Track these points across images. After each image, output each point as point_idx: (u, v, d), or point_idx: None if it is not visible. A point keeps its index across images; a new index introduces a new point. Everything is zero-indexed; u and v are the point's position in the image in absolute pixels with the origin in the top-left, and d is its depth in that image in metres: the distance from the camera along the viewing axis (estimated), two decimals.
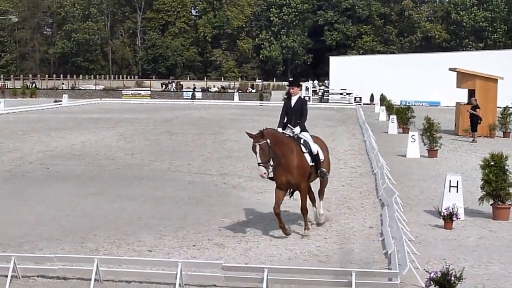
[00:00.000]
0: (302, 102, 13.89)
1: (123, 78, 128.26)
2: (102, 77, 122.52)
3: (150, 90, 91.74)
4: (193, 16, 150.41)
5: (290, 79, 14.98)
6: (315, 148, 13.48)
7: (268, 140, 12.55)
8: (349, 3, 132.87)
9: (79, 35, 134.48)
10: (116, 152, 27.86)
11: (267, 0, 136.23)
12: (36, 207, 16.26)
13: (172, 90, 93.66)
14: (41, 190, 18.52)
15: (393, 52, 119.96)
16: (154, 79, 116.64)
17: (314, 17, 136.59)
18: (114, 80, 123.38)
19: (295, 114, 13.64)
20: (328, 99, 77.30)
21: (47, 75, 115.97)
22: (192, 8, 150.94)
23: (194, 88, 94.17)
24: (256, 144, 12.48)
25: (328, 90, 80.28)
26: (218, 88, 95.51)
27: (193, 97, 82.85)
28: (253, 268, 10.49)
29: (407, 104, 52.51)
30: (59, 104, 67.65)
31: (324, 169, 13.77)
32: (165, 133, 37.30)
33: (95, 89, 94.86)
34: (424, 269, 10.72)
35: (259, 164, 12.62)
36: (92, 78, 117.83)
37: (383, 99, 61.42)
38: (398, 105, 51.95)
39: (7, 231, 13.67)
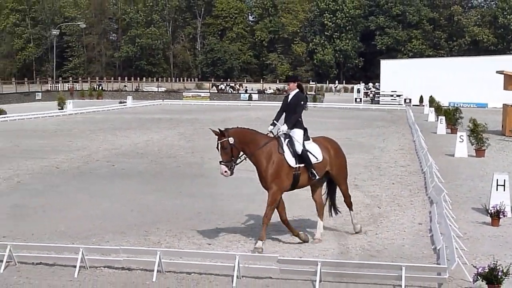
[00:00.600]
0: (297, 98, 12.69)
1: (183, 80, 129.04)
2: (164, 80, 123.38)
3: (209, 92, 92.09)
4: (250, 22, 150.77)
5: (288, 75, 14.61)
6: (299, 147, 12.18)
7: (232, 139, 11.81)
8: (399, 9, 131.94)
9: (142, 40, 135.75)
10: (177, 151, 28.05)
11: (320, 6, 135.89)
12: (102, 202, 16.46)
13: (229, 92, 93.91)
14: (107, 186, 18.74)
15: (442, 56, 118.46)
16: (213, 81, 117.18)
17: (365, 22, 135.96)
18: (175, 82, 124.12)
19: (290, 110, 12.69)
20: (379, 100, 76.67)
21: (112, 78, 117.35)
22: (249, 14, 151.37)
23: (246, 89, 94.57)
24: (218, 142, 11.92)
25: (379, 92, 79.67)
26: (273, 90, 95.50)
27: (250, 98, 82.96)
28: (307, 261, 10.48)
29: (455, 105, 51.79)
30: (124, 105, 68.33)
31: (314, 170, 12.24)
32: None
33: (158, 91, 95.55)
34: (472, 265, 10.57)
35: (220, 162, 12.00)
36: (155, 80, 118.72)
37: (432, 101, 60.81)
38: (446, 106, 51.31)
39: (76, 224, 13.88)
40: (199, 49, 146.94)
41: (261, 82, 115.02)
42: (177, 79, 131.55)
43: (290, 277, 10.27)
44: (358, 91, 79.38)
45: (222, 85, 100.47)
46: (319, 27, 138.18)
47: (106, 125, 41.60)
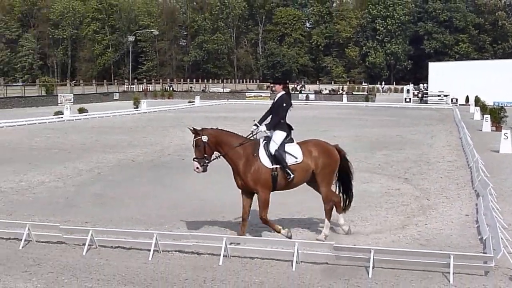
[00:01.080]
0: (281, 100, 11.85)
1: (246, 82, 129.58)
2: (228, 81, 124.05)
3: (270, 92, 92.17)
4: (307, 28, 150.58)
5: (275, 77, 14.04)
6: (273, 148, 11.39)
7: (205, 137, 11.42)
8: (446, 15, 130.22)
9: (209, 45, 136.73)
10: None
11: (372, 13, 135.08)
12: (173, 192, 16.58)
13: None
14: (178, 178, 18.86)
15: (486, 58, 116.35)
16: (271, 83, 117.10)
17: (414, 27, 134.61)
18: (239, 83, 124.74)
19: (273, 112, 11.89)
20: (427, 100, 75.68)
21: (182, 80, 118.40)
22: (306, 21, 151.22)
23: (301, 90, 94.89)
24: (192, 139, 11.60)
25: (427, 92, 78.62)
26: (329, 90, 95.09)
27: (307, 98, 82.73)
28: (361, 249, 10.37)
29: (500, 104, 50.81)
30: (192, 105, 68.84)
31: (289, 170, 11.35)
32: None
33: (223, 92, 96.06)
34: None
35: (193, 158, 11.66)
36: (220, 82, 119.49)
37: (477, 100, 59.75)
38: (491, 105, 50.37)
39: (150, 212, 14.01)
40: (260, 53, 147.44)
41: (317, 83, 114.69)
42: (240, 80, 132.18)
43: (345, 263, 10.18)
44: (408, 91, 78.51)
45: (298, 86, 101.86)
46: (371, 32, 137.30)
47: (176, 122, 41.92)
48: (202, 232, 11.94)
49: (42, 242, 11.27)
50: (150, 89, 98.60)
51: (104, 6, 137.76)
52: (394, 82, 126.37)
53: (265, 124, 11.85)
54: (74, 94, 75.56)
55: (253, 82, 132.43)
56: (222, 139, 11.58)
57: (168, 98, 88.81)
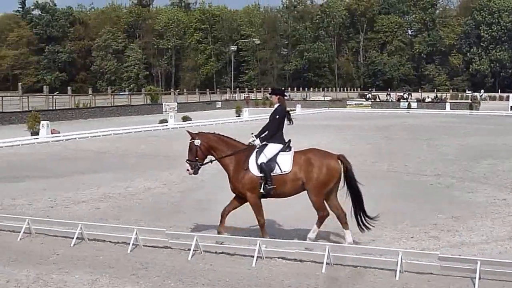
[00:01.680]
0: (274, 112, 12.03)
1: (347, 90, 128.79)
2: (329, 89, 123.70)
3: (371, 101, 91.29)
4: (408, 36, 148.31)
5: (272, 88, 13.85)
6: (260, 160, 11.47)
7: (198, 141, 11.77)
8: None
9: (310, 54, 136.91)
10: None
11: (476, 19, 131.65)
12: (277, 200, 16.56)
13: (390, 100, 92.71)
14: None
15: None
16: (374, 91, 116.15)
17: None
18: (339, 92, 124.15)
19: (268, 124, 12.10)
20: None
21: (283, 88, 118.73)
22: (408, 28, 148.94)
23: (399, 98, 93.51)
24: (189, 142, 11.86)
25: None
26: (431, 98, 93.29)
27: (409, 106, 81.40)
28: (467, 259, 10.11)
29: None
30: (293, 113, 68.95)
31: (268, 184, 11.39)
32: (384, 138, 36.94)
33: (323, 100, 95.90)
34: None
35: (186, 160, 12.08)
36: (321, 90, 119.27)
37: None
38: None
39: (253, 218, 14.07)
40: (361, 61, 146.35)
41: (419, 91, 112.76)
42: (341, 89, 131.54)
43: (450, 274, 9.95)
44: None
45: (369, 94, 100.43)
46: (475, 39, 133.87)
47: None
48: (304, 239, 11.91)
49: (149, 246, 11.55)
50: (252, 98, 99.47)
51: (207, 17, 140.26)
52: (499, 90, 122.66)
53: (260, 138, 11.92)
54: (178, 103, 77.18)
55: (354, 90, 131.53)
56: (214, 145, 11.88)
57: (270, 107, 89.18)
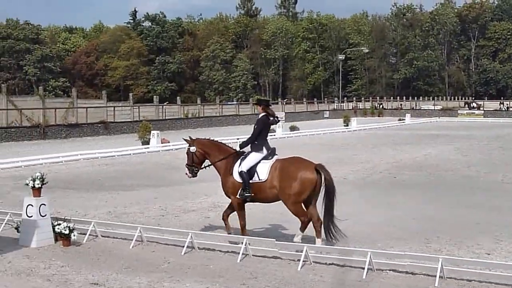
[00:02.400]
0: (256, 121, 12.49)
1: (458, 99, 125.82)
2: (439, 98, 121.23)
3: (483, 110, 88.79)
4: None
5: (257, 99, 13.78)
6: (241, 167, 12.02)
7: (193, 148, 12.58)
8: None
9: (419, 62, 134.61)
10: (453, 165, 27.31)
11: None
12: (385, 211, 16.41)
13: (503, 109, 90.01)
14: (389, 196, 18.68)
15: None
16: (486, 100, 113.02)
17: None
18: (450, 101, 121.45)
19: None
20: None
21: (391, 97, 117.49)
22: None
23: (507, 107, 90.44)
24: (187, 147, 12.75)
25: None
26: None
27: None
28: None
29: None
30: (403, 122, 67.99)
31: (246, 191, 11.90)
32: (498, 148, 35.87)
33: (434, 109, 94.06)
34: None
35: (185, 165, 12.93)
36: (431, 99, 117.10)
37: None
38: None
39: (363, 230, 13.95)
40: (473, 69, 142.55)
41: None
42: (452, 97, 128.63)
43: None
44: None
45: (473, 103, 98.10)
46: None
47: (387, 140, 41.63)
48: (416, 252, 11.67)
49: (259, 256, 11.60)
50: (360, 107, 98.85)
51: (314, 26, 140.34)
52: None
53: (240, 144, 12.74)
54: (285, 112, 77.56)
55: (465, 99, 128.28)
56: (208, 150, 12.62)
57: (378, 116, 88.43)
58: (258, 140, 12.34)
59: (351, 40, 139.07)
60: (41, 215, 12.28)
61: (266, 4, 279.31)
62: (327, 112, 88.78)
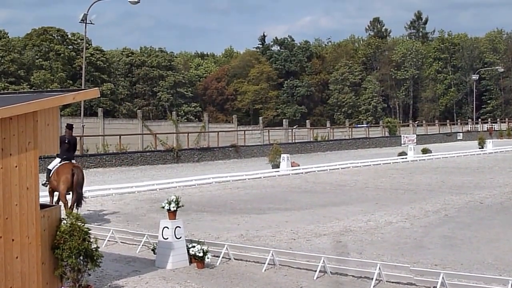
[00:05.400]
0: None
1: None
2: None
3: None
4: None
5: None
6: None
7: None
8: None
9: None
10: None
11: None
12: None
13: None
14: None
15: None
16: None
17: None
18: None
19: None
20: None
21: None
22: None
23: None
24: None
25: None
26: None
27: None
28: None
29: None
30: None
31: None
32: None
33: None
34: None
35: None
36: None
37: None
38: None
39: (504, 257, 13.40)
40: None
41: None
42: None
43: None
44: None
45: None
46: None
47: None
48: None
49: (392, 282, 11.36)
50: (495, 129, 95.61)
51: (446, 46, 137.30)
52: None
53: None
54: (417, 135, 76.21)
55: None
56: None
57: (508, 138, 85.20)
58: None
59: (485, 59, 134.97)
60: (176, 238, 12.59)
61: (396, 25, 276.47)
62: (461, 134, 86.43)
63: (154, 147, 51.00)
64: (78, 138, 24.94)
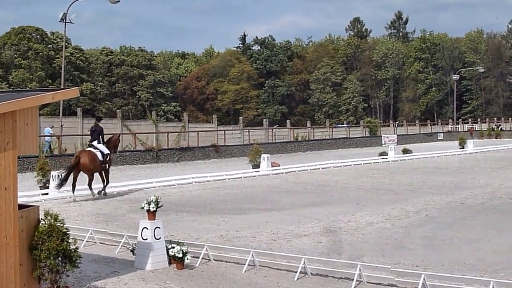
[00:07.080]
0: None
1: None
2: None
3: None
4: None
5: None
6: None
7: None
8: None
9: None
10: None
11: None
12: (509, 238, 15.76)
13: None
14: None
15: None
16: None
17: None
18: None
19: None
20: None
21: (510, 118, 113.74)
22: None
23: None
24: None
25: None
26: None
27: None
28: None
29: None
30: None
31: None
32: None
33: None
34: None
35: None
36: None
37: None
38: None
39: (484, 258, 13.44)
40: None
41: None
42: None
43: None
44: None
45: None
46: None
47: (507, 163, 40.24)
48: None
49: (373, 283, 11.36)
50: (476, 129, 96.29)
51: (427, 46, 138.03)
52: None
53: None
54: (397, 135, 76.54)
55: None
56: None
57: (496, 138, 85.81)
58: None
59: (466, 59, 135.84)
60: (155, 238, 12.53)
61: (376, 25, 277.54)
62: (441, 134, 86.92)
63: (133, 147, 50.80)
64: (102, 128, 27.12)
